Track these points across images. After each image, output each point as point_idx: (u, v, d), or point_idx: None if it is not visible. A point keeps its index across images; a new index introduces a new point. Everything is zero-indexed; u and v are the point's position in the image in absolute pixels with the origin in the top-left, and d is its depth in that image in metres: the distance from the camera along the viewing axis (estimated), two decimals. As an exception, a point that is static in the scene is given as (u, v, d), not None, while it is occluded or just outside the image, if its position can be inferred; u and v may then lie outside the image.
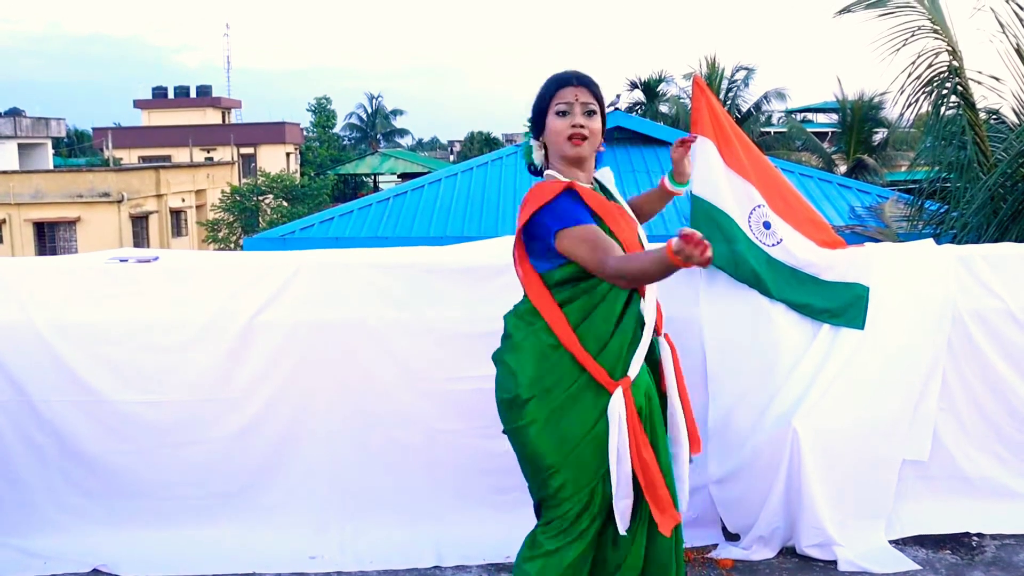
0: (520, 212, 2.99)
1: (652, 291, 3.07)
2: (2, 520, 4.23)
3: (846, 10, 7.87)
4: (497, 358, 3.10)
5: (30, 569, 4.08)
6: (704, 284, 4.27)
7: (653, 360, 3.17)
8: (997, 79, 8.05)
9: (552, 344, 2.96)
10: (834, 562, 4.08)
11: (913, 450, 4.31)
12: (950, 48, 7.85)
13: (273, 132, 52.43)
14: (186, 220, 39.97)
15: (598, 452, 2.93)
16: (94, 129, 57.30)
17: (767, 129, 37.50)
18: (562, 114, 3.00)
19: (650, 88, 37.62)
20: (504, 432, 3.06)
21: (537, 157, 3.12)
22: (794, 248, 4.26)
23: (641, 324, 3.03)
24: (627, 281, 2.81)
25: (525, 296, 3.05)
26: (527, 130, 3.18)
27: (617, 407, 2.90)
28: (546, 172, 3.09)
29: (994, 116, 8.58)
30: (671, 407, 3.19)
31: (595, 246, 2.85)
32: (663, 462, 3.05)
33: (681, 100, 35.68)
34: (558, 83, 3.03)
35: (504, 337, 3.11)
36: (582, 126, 2.98)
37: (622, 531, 2.99)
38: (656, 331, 3.11)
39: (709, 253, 2.40)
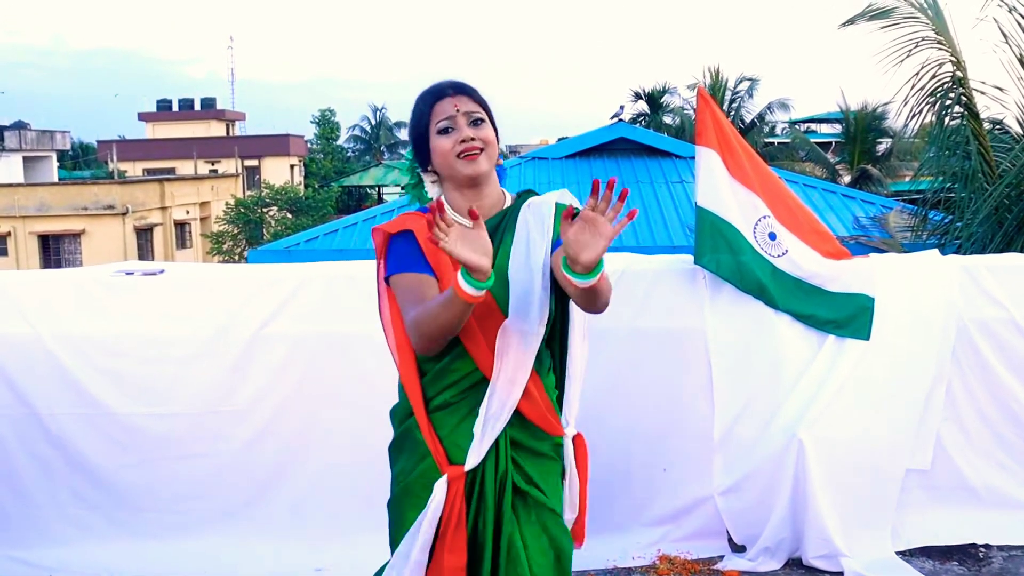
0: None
1: (506, 382, 2.51)
2: (7, 532, 4.23)
3: (851, 21, 7.88)
4: None
5: (35, 582, 4.08)
6: (709, 295, 4.27)
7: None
8: (1001, 89, 8.05)
9: (406, 410, 2.70)
10: (840, 573, 4.07)
11: (916, 459, 4.31)
12: (954, 59, 7.85)
13: (277, 144, 52.49)
14: (191, 232, 40.00)
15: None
16: (99, 142, 57.33)
17: (771, 140, 37.43)
18: (445, 131, 2.53)
19: (654, 99, 37.65)
20: None
21: (431, 191, 2.64)
22: (799, 259, 4.26)
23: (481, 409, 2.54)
24: (425, 339, 2.40)
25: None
26: (411, 163, 2.70)
27: (439, 493, 2.52)
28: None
29: (998, 126, 8.57)
30: (565, 508, 2.75)
31: (410, 297, 2.49)
32: (513, 564, 2.54)
33: (685, 111, 35.69)
34: (433, 97, 2.57)
35: None
36: (472, 138, 2.50)
37: None
38: (546, 431, 2.62)
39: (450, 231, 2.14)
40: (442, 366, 2.57)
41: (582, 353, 2.77)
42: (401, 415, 2.73)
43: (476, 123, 2.54)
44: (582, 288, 2.28)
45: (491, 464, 2.56)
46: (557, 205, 2.58)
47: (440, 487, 2.52)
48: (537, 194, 2.65)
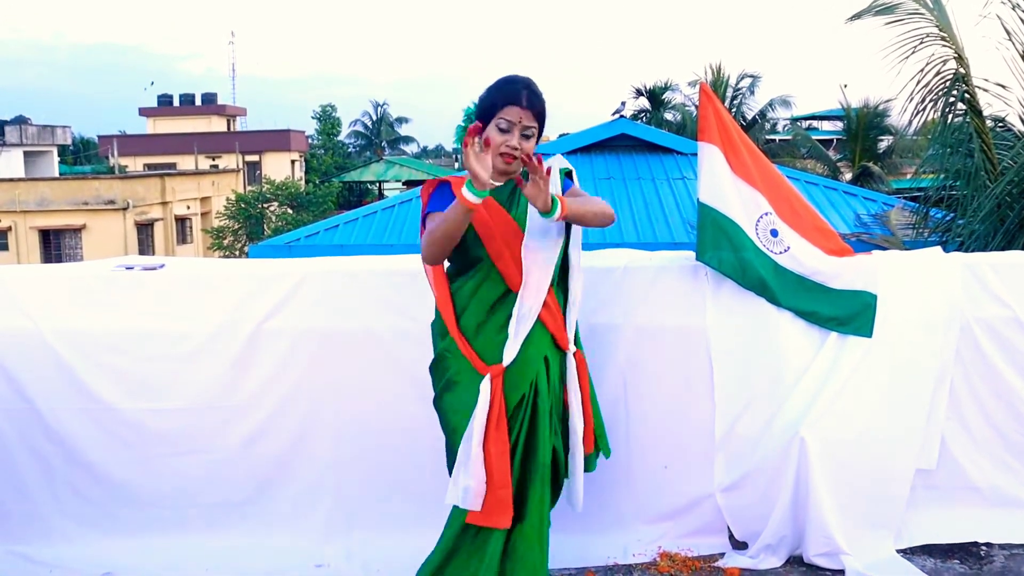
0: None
1: (533, 289, 3.21)
2: (8, 528, 4.22)
3: (856, 17, 7.86)
4: None
5: (35, 577, 4.07)
6: (711, 292, 4.26)
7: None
8: (1003, 86, 8.04)
9: (442, 329, 3.30)
10: (842, 571, 4.06)
11: (921, 458, 4.30)
12: (957, 55, 7.84)
13: (278, 139, 52.52)
14: (191, 227, 40.04)
15: None
16: (99, 137, 57.38)
17: (772, 137, 37.45)
18: (503, 130, 3.18)
19: (655, 96, 37.66)
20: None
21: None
22: (801, 256, 4.25)
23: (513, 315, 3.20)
24: (430, 244, 3.13)
25: None
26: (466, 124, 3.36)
27: (484, 390, 3.12)
28: None
29: (1000, 124, 8.56)
30: (572, 419, 3.39)
31: (427, 227, 3.24)
32: (536, 458, 3.22)
33: (686, 108, 35.73)
34: (508, 96, 3.19)
35: None
36: (516, 148, 3.17)
37: (448, 501, 3.24)
38: (560, 345, 3.34)
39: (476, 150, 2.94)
40: (472, 287, 3.25)
41: (579, 283, 3.43)
42: (438, 333, 3.36)
43: (526, 136, 3.20)
44: (556, 220, 3.14)
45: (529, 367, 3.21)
46: (560, 171, 3.40)
47: (485, 386, 3.12)
48: None
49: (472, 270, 3.26)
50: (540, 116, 3.23)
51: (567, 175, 3.44)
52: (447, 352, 3.26)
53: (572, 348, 3.38)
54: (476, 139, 2.98)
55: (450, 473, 3.27)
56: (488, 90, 3.25)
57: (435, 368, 3.36)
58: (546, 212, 3.08)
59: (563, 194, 3.28)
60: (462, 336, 3.22)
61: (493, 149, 3.09)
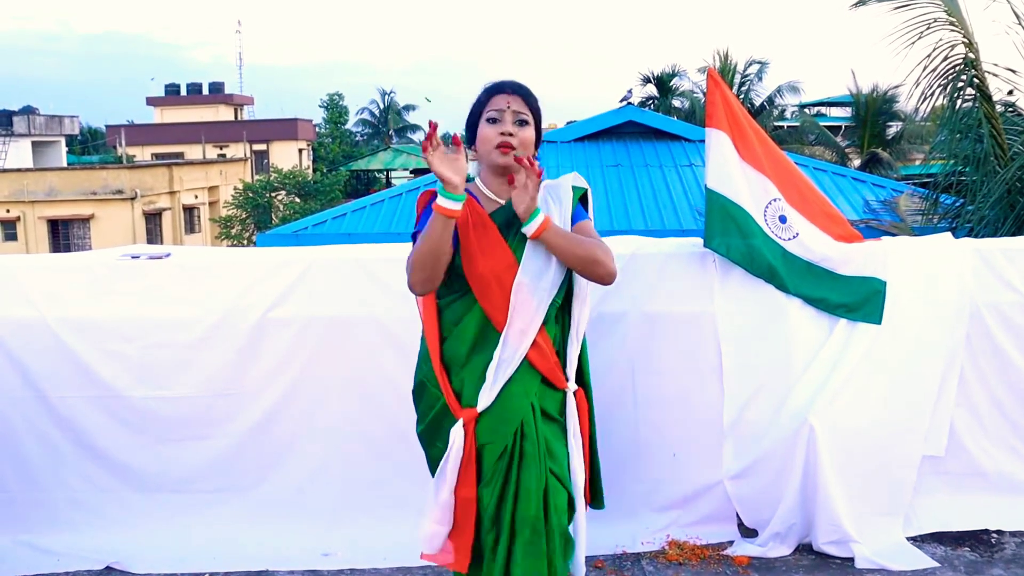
0: None
1: (518, 333, 2.85)
2: (16, 517, 4.23)
3: (862, 2, 7.80)
4: None
5: (43, 566, 4.08)
6: (719, 279, 4.24)
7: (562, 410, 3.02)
8: (1013, 71, 7.97)
9: (426, 355, 2.98)
10: (851, 559, 4.05)
11: (929, 445, 4.28)
12: (966, 40, 7.77)
13: (285, 128, 52.48)
14: (199, 217, 40.04)
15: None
16: (107, 127, 57.42)
17: (780, 123, 37.29)
18: (492, 121, 2.90)
19: (663, 82, 37.55)
20: None
21: (471, 168, 2.92)
22: (810, 242, 4.23)
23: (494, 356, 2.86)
24: (414, 267, 2.75)
25: None
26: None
27: (455, 437, 2.85)
28: (475, 181, 3.02)
29: (1010, 109, 8.50)
30: (572, 466, 3.00)
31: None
32: (519, 512, 2.84)
33: (694, 94, 35.61)
34: (491, 90, 2.95)
35: None
36: (511, 134, 2.87)
37: (423, 550, 2.97)
38: (554, 384, 2.95)
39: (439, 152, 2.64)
40: (459, 324, 2.89)
41: (581, 317, 3.04)
42: (422, 357, 3.02)
43: (521, 123, 2.91)
44: (531, 237, 2.82)
45: (529, 420, 2.88)
46: (574, 188, 3.03)
47: (456, 432, 2.85)
48: (549, 178, 3.03)
49: (458, 293, 2.89)
50: (530, 104, 2.94)
51: (582, 198, 3.05)
52: (427, 381, 2.96)
53: (572, 387, 3.01)
54: (435, 138, 2.63)
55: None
56: (472, 103, 3.00)
57: (416, 394, 3.05)
58: (523, 220, 2.81)
59: (573, 223, 2.97)
60: (443, 371, 2.90)
61: (487, 144, 2.88)
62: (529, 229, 2.81)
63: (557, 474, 2.92)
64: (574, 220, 2.98)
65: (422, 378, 3.00)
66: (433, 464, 2.95)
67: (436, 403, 2.92)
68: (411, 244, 2.90)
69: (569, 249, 2.85)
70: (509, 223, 2.88)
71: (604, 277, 2.89)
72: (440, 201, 2.65)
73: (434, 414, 2.93)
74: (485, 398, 2.84)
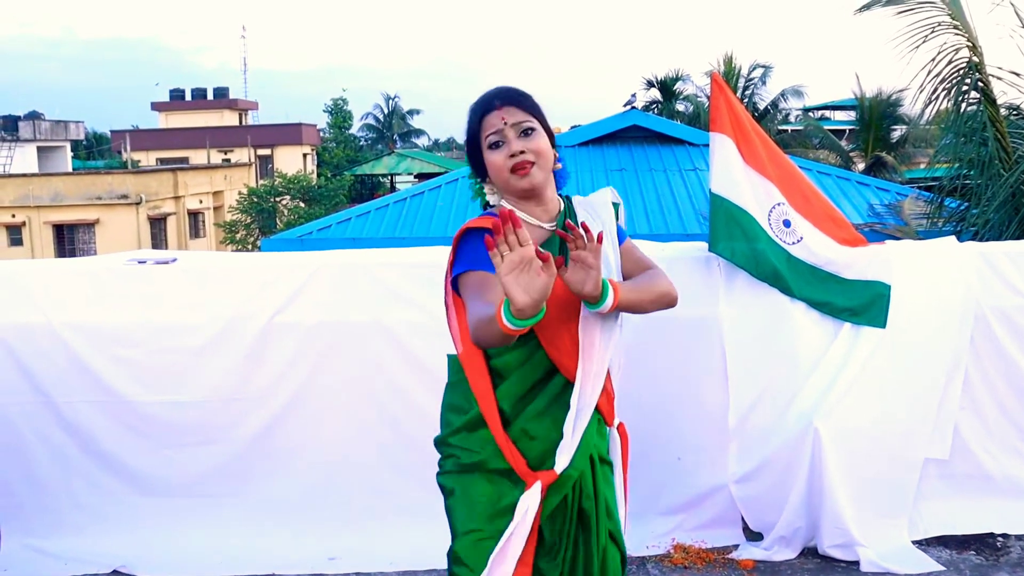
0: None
1: (592, 376, 2.49)
2: (22, 521, 4.24)
3: (866, 7, 7.81)
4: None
5: (51, 570, 4.10)
6: (724, 283, 4.25)
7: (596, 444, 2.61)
8: (1018, 75, 7.98)
9: (474, 421, 2.55)
10: (856, 563, 4.05)
11: (934, 449, 4.28)
12: (970, 44, 7.78)
13: (290, 133, 52.50)
14: (204, 221, 40.06)
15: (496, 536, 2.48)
16: (112, 132, 57.46)
17: (784, 127, 37.25)
18: (495, 146, 2.49)
19: (667, 87, 37.51)
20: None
21: (492, 198, 2.62)
22: (815, 246, 4.23)
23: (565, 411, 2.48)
24: (480, 343, 2.35)
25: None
26: (472, 174, 2.67)
27: (529, 505, 2.44)
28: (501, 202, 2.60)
29: (1015, 112, 8.50)
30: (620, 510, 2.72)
31: (473, 295, 2.41)
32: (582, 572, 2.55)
33: (698, 98, 35.56)
34: (481, 110, 2.53)
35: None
36: (522, 151, 2.46)
37: None
38: (606, 422, 2.65)
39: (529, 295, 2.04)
40: (520, 369, 2.51)
41: (622, 344, 2.73)
42: (462, 409, 2.59)
43: (526, 133, 2.50)
44: (605, 312, 2.41)
45: (588, 473, 2.54)
46: (612, 205, 2.70)
47: (531, 500, 2.44)
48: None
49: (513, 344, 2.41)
50: (528, 108, 2.52)
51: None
52: (475, 431, 2.54)
53: (616, 420, 2.72)
54: (512, 236, 2.05)
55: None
56: (465, 126, 2.59)
57: (443, 447, 2.63)
58: (593, 303, 2.38)
59: (620, 243, 2.66)
60: (507, 438, 2.48)
61: (501, 173, 2.48)
62: (605, 308, 2.39)
63: (614, 534, 2.61)
64: (620, 239, 2.69)
65: (470, 423, 2.55)
66: (461, 516, 2.53)
67: (486, 459, 2.51)
68: (448, 272, 2.59)
69: (641, 302, 2.53)
70: (560, 252, 2.51)
71: (672, 304, 2.64)
72: (504, 320, 2.13)
73: (484, 471, 2.53)
74: (564, 457, 2.45)
